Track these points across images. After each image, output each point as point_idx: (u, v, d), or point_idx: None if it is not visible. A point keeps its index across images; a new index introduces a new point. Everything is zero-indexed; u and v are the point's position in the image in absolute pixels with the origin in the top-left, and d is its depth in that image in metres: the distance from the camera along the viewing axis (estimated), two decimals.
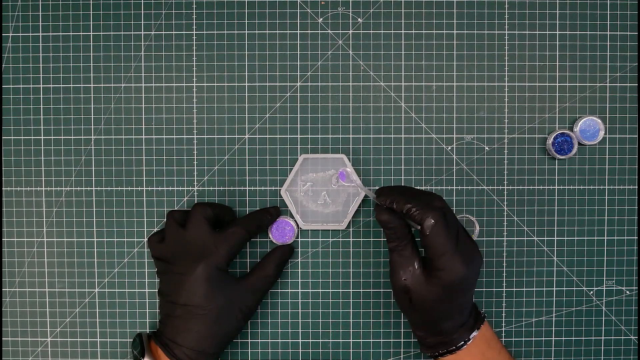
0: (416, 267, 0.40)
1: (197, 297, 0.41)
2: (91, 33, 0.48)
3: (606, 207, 0.48)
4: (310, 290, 0.49)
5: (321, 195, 0.48)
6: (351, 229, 0.49)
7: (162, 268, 0.44)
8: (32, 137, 0.48)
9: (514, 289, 0.49)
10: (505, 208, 0.49)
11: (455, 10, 0.48)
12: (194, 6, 0.48)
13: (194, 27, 0.48)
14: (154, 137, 0.48)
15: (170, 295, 0.42)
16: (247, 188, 0.48)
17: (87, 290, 0.49)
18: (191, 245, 0.42)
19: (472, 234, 0.48)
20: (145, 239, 0.48)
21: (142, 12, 0.48)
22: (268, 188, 0.48)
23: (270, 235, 0.48)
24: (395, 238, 0.41)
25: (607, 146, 0.48)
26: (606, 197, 0.48)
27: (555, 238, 0.49)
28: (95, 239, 0.49)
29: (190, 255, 0.42)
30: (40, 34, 0.48)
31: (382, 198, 0.42)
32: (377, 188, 0.48)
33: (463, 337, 0.41)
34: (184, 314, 0.42)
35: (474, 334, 0.42)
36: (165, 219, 0.45)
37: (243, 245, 0.44)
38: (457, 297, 0.40)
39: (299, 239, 0.49)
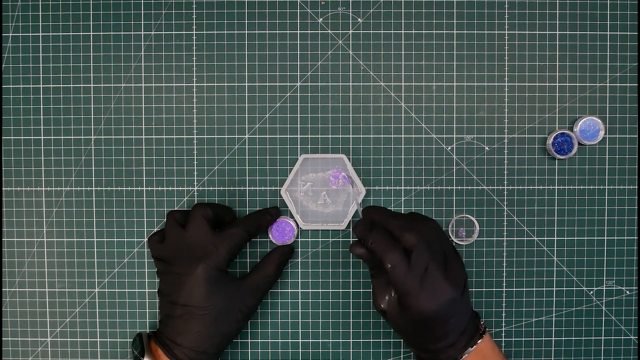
0: (392, 295, 0.40)
1: (197, 298, 0.42)
2: (91, 33, 0.48)
3: (606, 207, 0.48)
4: (310, 290, 0.49)
5: (321, 195, 0.48)
6: (351, 229, 0.49)
7: (162, 268, 0.44)
8: (32, 137, 0.48)
9: (514, 289, 0.49)
10: (505, 208, 0.49)
11: (455, 10, 0.48)
12: (194, 6, 0.48)
13: (194, 27, 0.48)
14: (154, 137, 0.48)
15: (170, 295, 0.43)
16: (247, 188, 0.48)
17: (87, 290, 0.49)
18: (191, 246, 0.42)
19: (472, 234, 0.48)
20: (145, 239, 0.49)
21: (142, 12, 0.48)
22: (268, 188, 0.48)
23: (270, 236, 0.48)
24: (371, 267, 0.42)
25: (607, 146, 0.48)
26: (606, 197, 0.48)
27: (555, 238, 0.49)
28: (95, 239, 0.49)
29: (190, 255, 0.42)
30: (40, 34, 0.48)
31: (358, 229, 0.42)
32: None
33: (455, 354, 0.41)
34: (184, 314, 0.42)
35: (469, 350, 0.40)
36: (166, 219, 0.45)
37: (243, 246, 0.44)
38: (433, 329, 0.39)
39: (299, 239, 0.49)
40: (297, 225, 0.48)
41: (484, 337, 0.41)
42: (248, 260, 0.49)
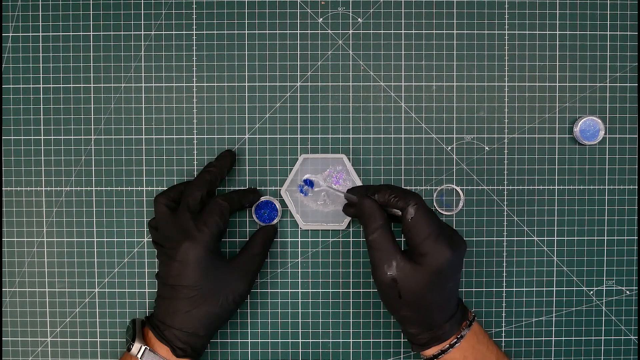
0: (399, 259, 0.40)
1: (185, 278, 0.42)
2: (91, 33, 0.48)
3: (606, 207, 0.48)
4: (310, 290, 0.49)
5: (321, 195, 0.48)
6: (351, 229, 0.49)
7: (157, 251, 0.44)
8: (32, 137, 0.48)
9: (514, 289, 0.49)
10: (505, 208, 0.49)
11: (455, 10, 0.48)
12: (194, 6, 0.48)
13: (194, 27, 0.48)
14: (154, 137, 0.48)
15: (163, 277, 0.43)
16: (247, 188, 0.48)
17: (87, 290, 0.49)
18: (179, 228, 0.43)
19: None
20: (145, 239, 0.49)
21: (142, 12, 0.48)
22: (268, 188, 0.48)
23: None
24: (370, 228, 0.41)
25: (607, 146, 0.48)
26: (606, 197, 0.48)
27: (555, 238, 0.49)
28: (95, 239, 0.49)
29: (179, 237, 0.42)
30: (40, 34, 0.48)
31: (360, 189, 0.43)
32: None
33: (454, 329, 0.41)
34: (173, 294, 0.42)
35: (466, 331, 0.42)
36: (154, 205, 0.45)
37: (228, 219, 0.44)
38: (446, 282, 0.40)
39: (299, 239, 0.49)
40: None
41: (475, 321, 0.43)
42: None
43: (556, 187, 0.48)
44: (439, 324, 0.41)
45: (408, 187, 0.48)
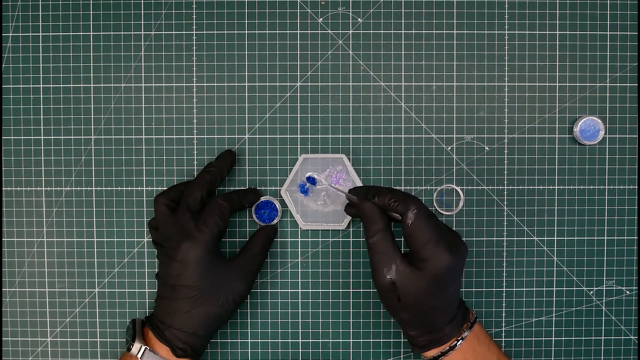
0: (399, 263, 0.40)
1: (185, 278, 0.42)
2: (91, 33, 0.48)
3: (606, 207, 0.48)
4: (310, 290, 0.49)
5: (321, 195, 0.48)
6: (351, 229, 0.49)
7: (157, 251, 0.44)
8: (32, 137, 0.48)
9: (514, 289, 0.49)
10: (505, 208, 0.49)
11: (455, 10, 0.48)
12: (194, 6, 0.48)
13: (194, 27, 0.48)
14: (154, 137, 0.48)
15: (163, 277, 0.43)
16: (247, 188, 0.48)
17: (87, 290, 0.49)
18: (179, 228, 0.43)
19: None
20: (145, 239, 0.49)
21: (142, 12, 0.48)
22: (268, 188, 0.48)
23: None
24: (371, 231, 0.41)
25: (607, 146, 0.48)
26: (606, 197, 0.48)
27: (555, 238, 0.49)
28: (95, 239, 0.49)
29: (179, 237, 0.42)
30: (40, 34, 0.48)
31: (361, 190, 0.43)
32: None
33: (454, 332, 0.41)
34: (173, 294, 0.42)
35: (467, 333, 0.42)
36: (154, 205, 0.45)
37: (228, 219, 0.44)
38: (446, 286, 0.40)
39: (299, 239, 0.49)
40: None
41: (476, 322, 0.43)
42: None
43: (556, 187, 0.48)
44: (440, 327, 0.41)
45: (408, 188, 0.48)
